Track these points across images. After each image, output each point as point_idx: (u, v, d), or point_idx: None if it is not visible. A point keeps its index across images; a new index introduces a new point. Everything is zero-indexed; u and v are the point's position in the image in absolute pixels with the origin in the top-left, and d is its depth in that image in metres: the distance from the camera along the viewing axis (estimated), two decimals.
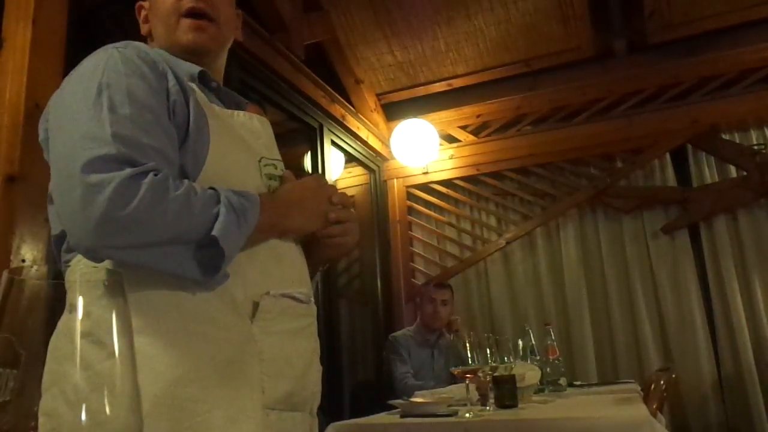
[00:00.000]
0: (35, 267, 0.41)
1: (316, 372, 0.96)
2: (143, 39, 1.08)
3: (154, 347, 0.78)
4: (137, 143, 0.79)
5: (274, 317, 0.88)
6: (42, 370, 0.41)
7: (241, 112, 1.03)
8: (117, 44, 0.90)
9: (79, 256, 0.83)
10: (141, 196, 0.74)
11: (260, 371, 0.84)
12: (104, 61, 0.86)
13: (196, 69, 0.98)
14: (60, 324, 0.43)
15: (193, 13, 0.99)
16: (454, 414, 1.71)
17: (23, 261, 1.50)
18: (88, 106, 0.81)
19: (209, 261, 0.79)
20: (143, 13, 1.07)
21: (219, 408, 0.79)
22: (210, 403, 0.79)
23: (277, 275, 0.91)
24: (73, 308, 0.41)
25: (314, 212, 0.96)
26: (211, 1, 1.01)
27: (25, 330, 0.39)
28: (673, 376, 2.81)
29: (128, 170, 0.75)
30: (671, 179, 3.70)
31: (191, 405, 0.78)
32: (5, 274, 0.40)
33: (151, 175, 0.76)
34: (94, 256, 0.77)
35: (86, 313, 0.41)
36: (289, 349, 0.90)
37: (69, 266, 0.86)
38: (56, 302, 0.41)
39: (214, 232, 0.77)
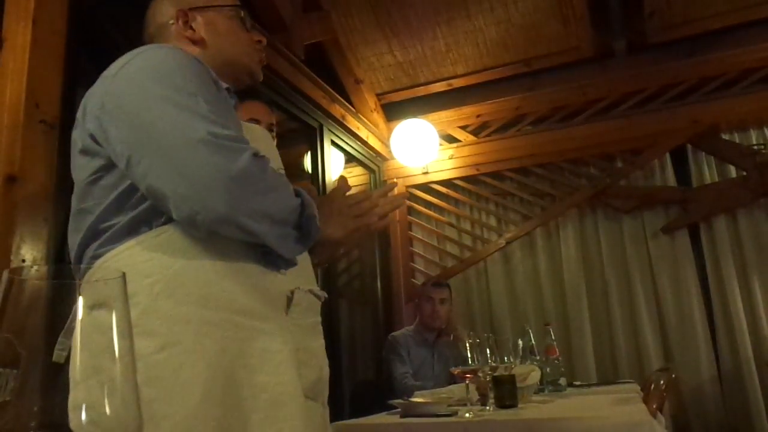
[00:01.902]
0: (35, 267, 0.41)
1: (327, 365, 1.05)
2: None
3: (202, 335, 0.83)
4: (237, 131, 0.89)
5: (303, 311, 0.97)
6: (42, 371, 0.41)
7: (257, 126, 1.18)
8: (166, 45, 1.00)
9: (120, 248, 0.86)
10: (267, 169, 0.87)
11: (297, 359, 0.92)
12: (172, 57, 0.93)
13: (223, 85, 1.06)
14: (89, 319, 0.43)
15: (262, 58, 1.18)
16: (454, 414, 1.71)
17: (23, 261, 1.50)
18: (181, 93, 0.87)
19: (302, 242, 0.93)
20: (184, 19, 1.11)
21: (264, 392, 0.86)
22: (256, 388, 0.85)
23: (300, 274, 1.00)
24: (103, 304, 0.41)
25: (342, 225, 1.06)
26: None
27: (25, 330, 0.39)
28: (673, 376, 2.82)
29: (253, 148, 0.86)
30: (671, 179, 3.70)
31: (240, 390, 0.84)
32: (5, 274, 0.40)
33: (264, 156, 0.88)
34: (216, 217, 0.82)
35: (133, 304, 0.43)
36: (312, 340, 0.99)
37: (95, 261, 0.89)
38: (56, 302, 0.41)
39: (310, 212, 0.92)
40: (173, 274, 0.85)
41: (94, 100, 0.93)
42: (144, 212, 0.89)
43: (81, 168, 0.95)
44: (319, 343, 1.02)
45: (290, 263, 0.95)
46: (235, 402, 0.83)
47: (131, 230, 0.88)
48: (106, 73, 0.94)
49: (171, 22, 1.10)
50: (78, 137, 0.96)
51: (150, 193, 0.86)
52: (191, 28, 1.11)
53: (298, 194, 0.94)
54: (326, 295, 1.06)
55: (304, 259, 1.04)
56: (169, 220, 0.88)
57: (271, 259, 0.93)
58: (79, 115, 0.97)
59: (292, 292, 0.96)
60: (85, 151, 0.93)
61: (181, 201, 0.82)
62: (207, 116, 0.85)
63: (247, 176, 0.82)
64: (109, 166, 0.91)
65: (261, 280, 0.92)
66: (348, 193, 1.11)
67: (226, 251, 0.89)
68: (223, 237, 0.88)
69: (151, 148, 0.84)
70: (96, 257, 0.89)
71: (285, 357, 0.89)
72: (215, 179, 0.81)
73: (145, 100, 0.87)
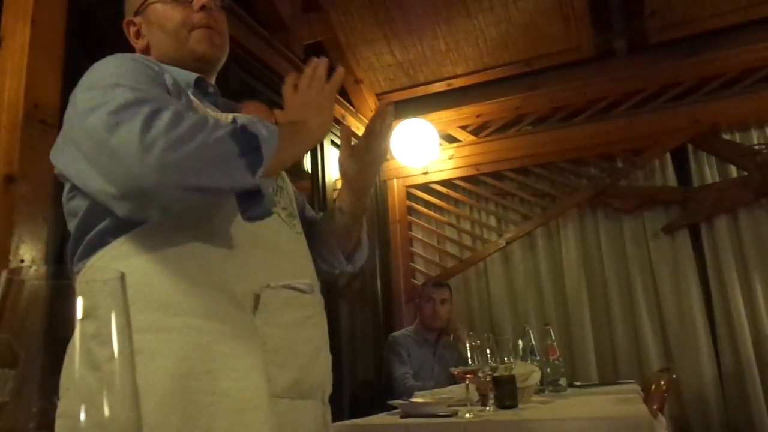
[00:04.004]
0: (34, 267, 0.41)
1: (324, 360, 0.99)
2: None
3: (159, 343, 0.81)
4: (148, 92, 0.82)
5: (277, 308, 0.91)
6: (40, 372, 0.41)
7: (237, 115, 1.06)
8: (115, 55, 0.95)
9: (92, 260, 0.87)
10: (175, 120, 0.78)
11: (264, 361, 0.87)
12: (111, 64, 0.90)
13: (192, 76, 1.03)
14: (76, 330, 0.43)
15: (202, 26, 1.05)
16: (454, 414, 1.71)
17: (22, 261, 1.49)
18: (102, 92, 0.83)
19: (252, 162, 0.81)
20: (133, 29, 1.09)
21: (227, 398, 0.82)
22: (218, 394, 0.81)
23: (277, 267, 0.94)
24: (83, 312, 0.41)
25: (321, 113, 1.01)
26: (215, 15, 1.07)
27: (24, 330, 0.39)
28: (674, 376, 2.81)
29: (154, 104, 0.79)
30: (671, 179, 3.70)
31: (200, 397, 0.80)
32: (4, 274, 0.39)
33: (171, 107, 0.80)
34: (151, 200, 0.77)
35: (94, 315, 0.42)
36: (294, 338, 0.93)
37: (79, 272, 0.88)
38: (56, 302, 0.41)
39: (241, 123, 0.83)
40: (133, 282, 0.81)
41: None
42: (107, 227, 0.89)
43: (64, 189, 0.97)
44: (307, 338, 0.96)
45: (264, 202, 0.83)
46: (196, 409, 0.80)
47: (97, 245, 0.89)
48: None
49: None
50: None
51: (96, 199, 0.85)
52: (140, 35, 1.08)
53: (233, 121, 0.86)
54: (312, 287, 1.00)
55: (294, 251, 1.00)
56: (128, 230, 0.87)
57: (244, 208, 0.84)
58: None
59: (261, 290, 0.90)
60: (59, 174, 0.95)
61: (113, 199, 0.79)
62: (112, 99, 0.79)
63: (154, 136, 0.75)
64: (74, 187, 0.92)
65: (228, 280, 0.87)
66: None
67: (191, 249, 0.86)
68: (185, 232, 0.86)
69: (78, 161, 0.83)
70: (77, 272, 0.89)
71: (250, 360, 0.85)
72: (127, 157, 0.75)
73: (75, 115, 0.85)
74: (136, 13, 1.08)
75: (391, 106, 1.20)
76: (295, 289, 0.95)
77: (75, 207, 0.93)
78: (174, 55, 1.05)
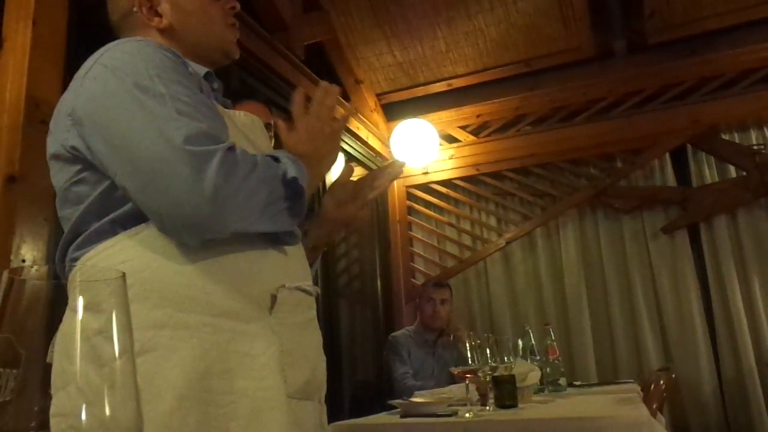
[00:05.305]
0: (35, 267, 0.41)
1: (322, 362, 1.00)
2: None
3: (176, 340, 0.80)
4: (212, 124, 0.84)
5: (290, 309, 0.91)
6: (42, 371, 0.41)
7: (240, 112, 1.06)
8: (133, 39, 0.93)
9: (99, 248, 0.85)
10: (242, 164, 0.82)
11: (282, 361, 0.87)
12: (137, 53, 0.88)
13: (202, 70, 1.03)
14: (67, 324, 0.43)
15: (233, 27, 1.08)
16: (454, 414, 1.71)
17: (23, 261, 1.50)
18: (148, 95, 0.82)
19: (295, 210, 0.89)
20: (147, 4, 1.03)
21: (244, 398, 0.81)
22: (235, 394, 0.81)
23: (288, 269, 0.95)
24: (84, 307, 0.41)
25: (332, 146, 1.04)
26: None
27: (25, 330, 0.39)
28: (673, 376, 2.82)
29: (225, 143, 0.81)
30: (671, 179, 3.70)
31: (218, 397, 0.80)
32: (5, 274, 0.40)
33: (237, 148, 0.84)
34: (207, 226, 0.80)
35: (98, 311, 0.41)
36: (303, 339, 0.94)
37: (75, 265, 0.87)
38: (56, 302, 0.41)
39: (291, 174, 0.87)
40: (148, 276, 0.81)
41: (66, 105, 0.89)
42: (120, 216, 0.86)
43: (55, 174, 0.93)
44: (313, 340, 0.97)
45: (294, 237, 0.93)
46: (213, 409, 0.79)
47: (106, 233, 0.86)
48: (77, 74, 0.91)
49: (135, 9, 1.02)
50: (50, 143, 0.93)
51: (137, 205, 0.84)
52: (157, 14, 1.02)
53: (276, 160, 0.89)
54: (318, 291, 1.01)
55: (297, 253, 1.00)
56: (144, 220, 0.85)
57: (274, 238, 0.91)
58: (51, 121, 0.93)
59: (277, 290, 0.90)
60: (56, 157, 0.91)
61: (166, 219, 0.80)
62: (177, 119, 0.80)
63: (223, 180, 0.78)
64: (83, 171, 0.88)
65: (244, 279, 0.87)
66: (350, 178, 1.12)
67: (208, 247, 0.85)
68: None
69: (128, 165, 0.81)
70: (74, 260, 0.87)
71: (268, 360, 0.85)
72: (192, 194, 0.77)
73: (115, 108, 0.83)
74: None
75: (404, 164, 1.22)
76: (304, 291, 0.95)
77: (80, 193, 0.89)
78: (201, 45, 1.04)
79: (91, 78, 0.87)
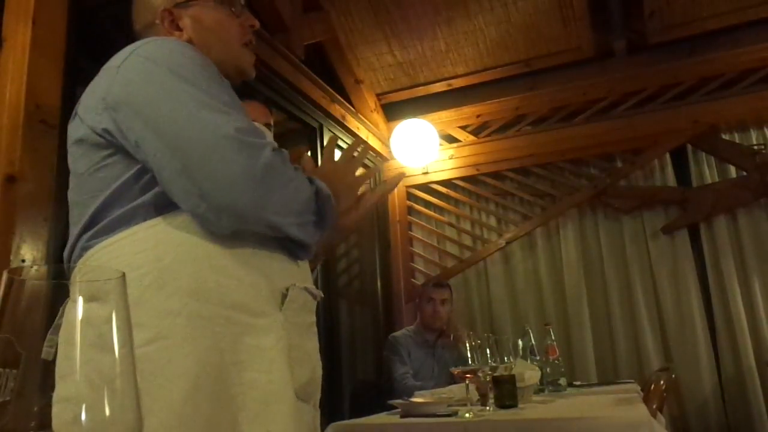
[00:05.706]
0: (35, 267, 0.41)
1: (320, 367, 1.02)
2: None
3: (189, 329, 0.81)
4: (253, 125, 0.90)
5: (298, 308, 0.94)
6: (41, 371, 0.41)
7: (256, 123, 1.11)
8: (167, 38, 0.99)
9: (122, 234, 0.86)
10: (288, 166, 0.88)
11: (289, 357, 0.89)
12: (176, 48, 0.92)
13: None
14: (81, 313, 0.43)
15: (251, 47, 1.12)
16: (454, 414, 1.71)
17: (23, 261, 1.50)
18: (194, 85, 0.86)
19: (321, 225, 0.94)
20: (169, 18, 1.06)
21: (253, 390, 0.83)
22: (245, 385, 0.83)
23: (295, 270, 0.97)
24: (89, 298, 0.41)
25: (350, 195, 1.09)
26: None
27: (25, 330, 0.39)
28: (673, 376, 2.82)
29: (272, 143, 0.87)
30: (671, 179, 3.70)
31: (229, 387, 0.82)
32: (5, 274, 0.40)
33: (281, 150, 0.89)
34: (247, 212, 0.83)
35: (105, 301, 0.42)
36: (306, 340, 0.96)
37: (85, 254, 0.88)
38: (56, 302, 0.41)
39: (326, 192, 0.93)
40: (164, 266, 0.83)
41: (99, 90, 0.91)
42: (140, 205, 0.87)
43: (77, 160, 0.94)
44: (313, 344, 0.99)
45: (309, 251, 0.97)
46: (224, 399, 0.81)
47: (123, 222, 0.87)
48: (109, 64, 0.92)
49: (157, 22, 1.06)
50: (75, 128, 0.94)
51: (170, 189, 0.85)
52: (178, 28, 1.06)
53: (311, 181, 0.95)
54: (322, 294, 1.04)
55: (304, 263, 1.02)
56: (163, 212, 0.87)
57: (291, 247, 0.94)
58: (79, 107, 0.94)
59: (287, 289, 0.93)
60: (82, 141, 0.92)
61: (206, 200, 0.82)
62: (226, 111, 0.85)
63: (270, 172, 0.83)
64: (112, 156, 0.90)
65: (257, 275, 0.89)
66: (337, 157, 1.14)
67: (224, 240, 0.87)
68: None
69: (171, 146, 0.83)
70: (86, 248, 0.88)
71: (277, 354, 0.87)
72: (241, 178, 0.81)
73: (159, 92, 0.86)
74: (176, 5, 1.06)
75: (404, 175, 1.29)
76: (310, 292, 0.98)
77: (103, 179, 0.90)
78: (218, 61, 1.05)
79: (129, 67, 0.90)
